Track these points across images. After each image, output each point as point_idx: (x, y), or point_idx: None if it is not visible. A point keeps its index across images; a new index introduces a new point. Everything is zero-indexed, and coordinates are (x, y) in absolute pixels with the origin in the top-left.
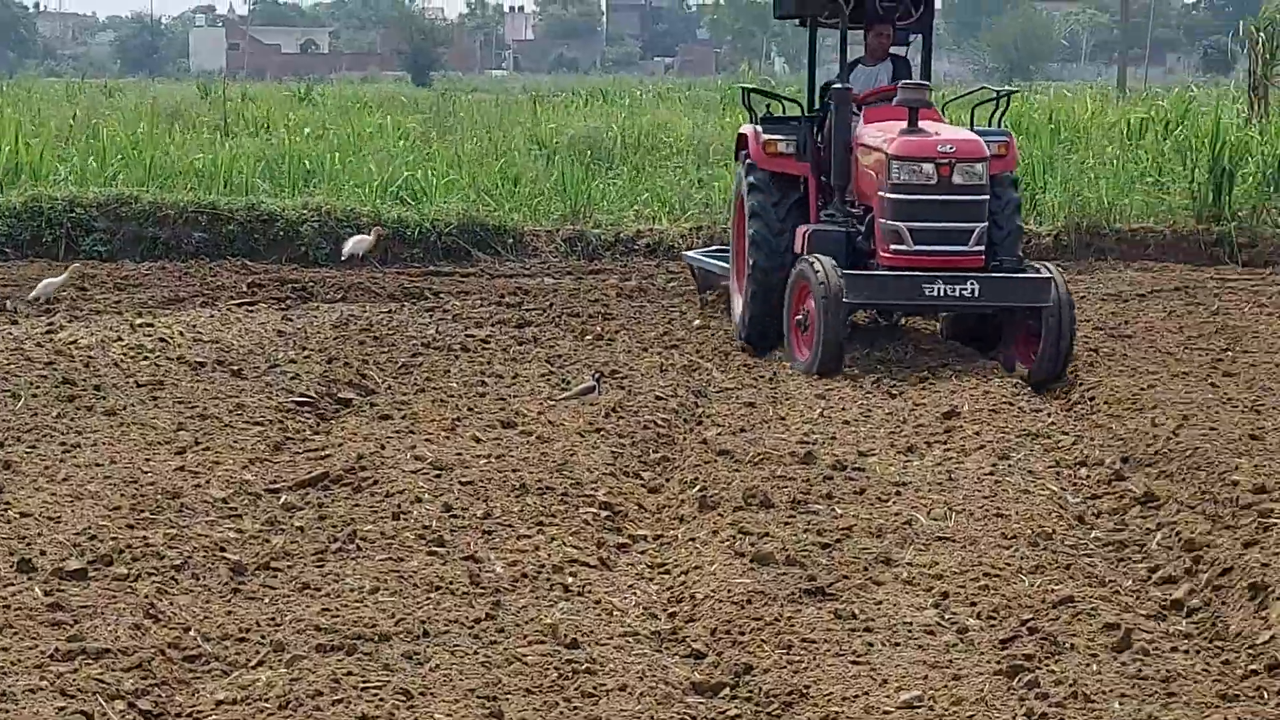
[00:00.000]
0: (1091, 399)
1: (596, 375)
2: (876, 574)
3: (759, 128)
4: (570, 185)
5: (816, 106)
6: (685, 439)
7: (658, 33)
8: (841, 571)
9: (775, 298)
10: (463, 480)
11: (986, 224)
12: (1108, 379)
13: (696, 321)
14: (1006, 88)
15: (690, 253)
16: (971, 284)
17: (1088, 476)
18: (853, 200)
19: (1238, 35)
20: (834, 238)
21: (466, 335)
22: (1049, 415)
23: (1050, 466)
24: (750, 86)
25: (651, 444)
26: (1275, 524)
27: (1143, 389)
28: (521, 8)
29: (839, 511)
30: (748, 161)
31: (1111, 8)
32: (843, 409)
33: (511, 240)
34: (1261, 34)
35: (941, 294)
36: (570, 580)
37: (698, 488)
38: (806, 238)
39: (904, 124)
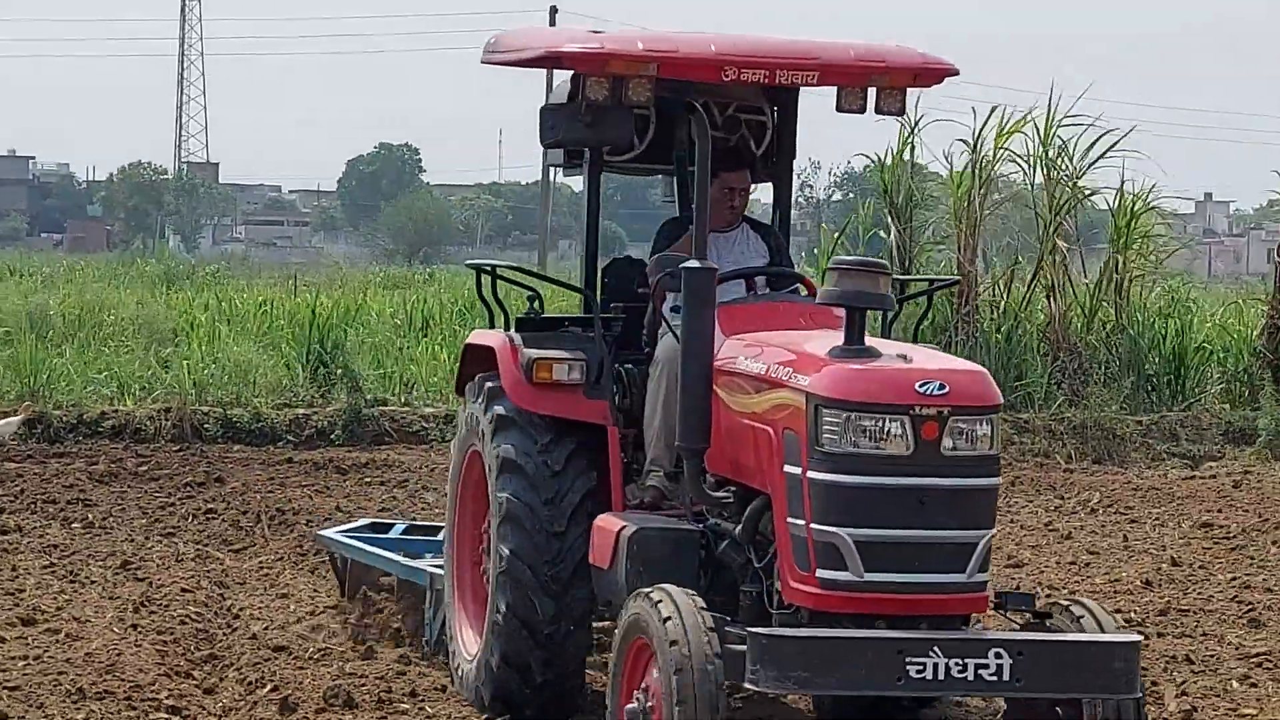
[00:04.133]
0: None
1: None
2: None
3: (516, 337)
4: (27, 364)
5: (600, 297)
6: (228, 635)
7: (45, 208)
8: None
9: (550, 627)
10: (7, 686)
11: (994, 532)
12: None
13: None
14: (938, 277)
15: (330, 532)
16: (997, 654)
17: None
18: (704, 474)
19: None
20: (679, 543)
21: None
22: None
23: None
24: (492, 264)
25: (193, 640)
26: None
27: None
28: None
29: (430, 711)
30: (493, 394)
31: (505, 194)
32: None
33: None
34: None
35: (941, 674)
36: None
37: (268, 688)
38: (622, 541)
39: (824, 334)
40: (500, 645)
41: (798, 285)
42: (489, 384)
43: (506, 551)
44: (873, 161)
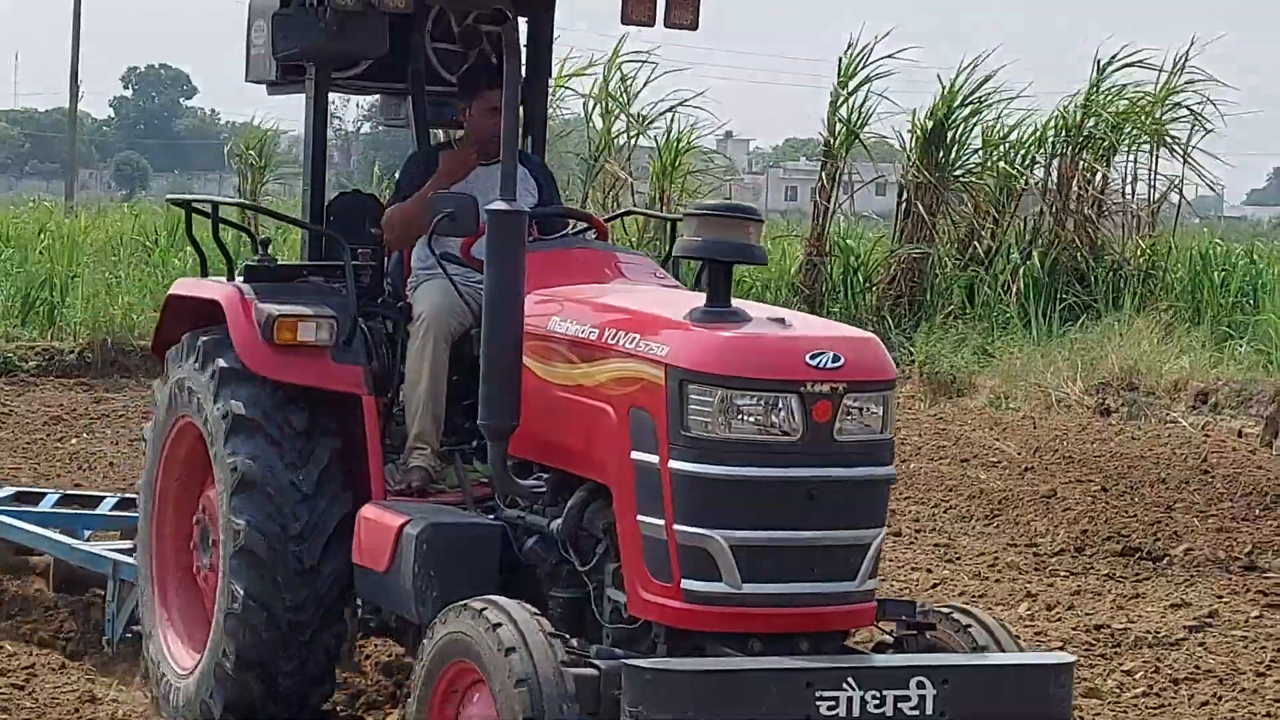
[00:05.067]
0: None
1: None
2: None
3: (247, 289)
4: None
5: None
6: None
7: None
8: None
9: (298, 614)
10: None
11: (886, 532)
12: None
13: None
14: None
15: None
16: (919, 684)
17: None
18: (503, 458)
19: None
20: (480, 542)
21: None
22: None
23: None
24: (210, 199)
25: None
26: None
27: None
28: None
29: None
30: (213, 348)
31: (21, 121)
32: None
33: None
34: (251, 152)
35: (856, 709)
36: None
37: None
38: (407, 540)
39: (661, 290)
40: (235, 642)
41: (580, 228)
42: (205, 339)
43: (243, 525)
44: None
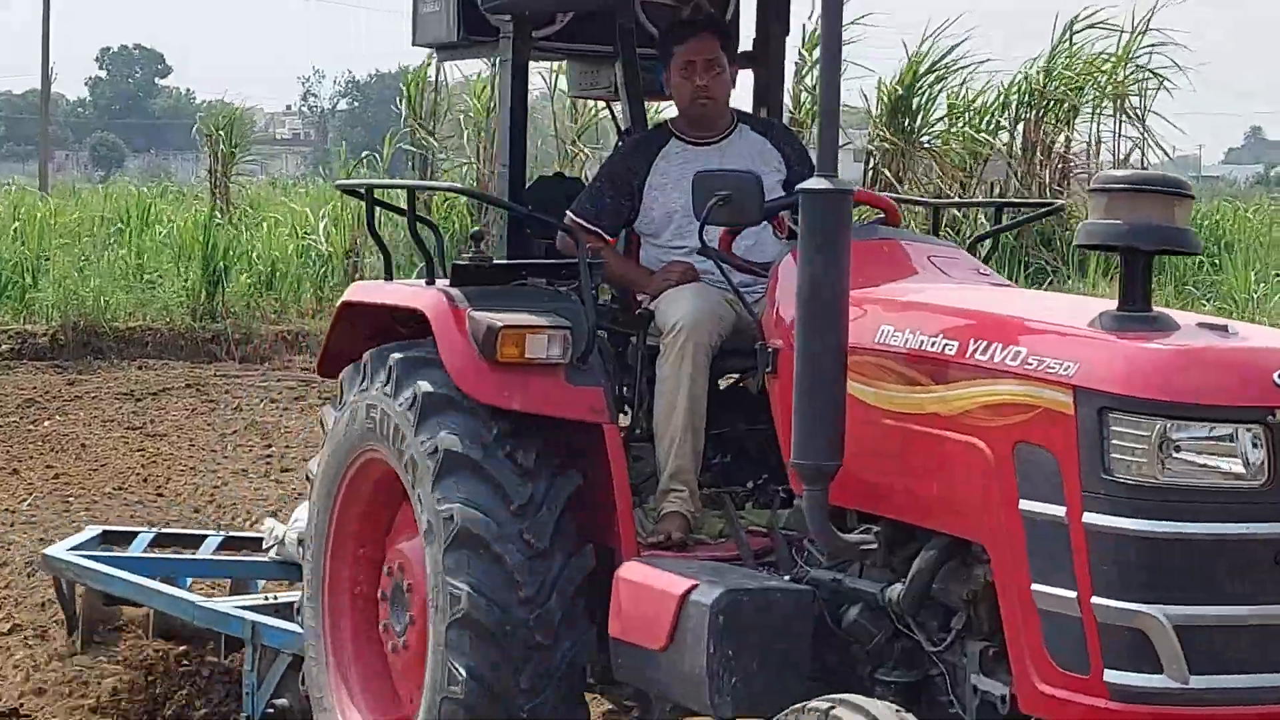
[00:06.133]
0: None
1: None
2: None
3: (457, 294)
4: None
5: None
6: None
7: None
8: None
9: (533, 698)
10: None
11: None
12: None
13: None
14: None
15: (58, 550)
16: None
17: None
18: (824, 506)
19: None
20: (793, 611)
21: None
22: None
23: None
24: (386, 184)
25: None
26: None
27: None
28: None
29: None
30: (410, 368)
31: None
32: None
33: None
34: (221, 132)
35: None
36: None
37: None
38: (695, 611)
39: (1038, 292)
40: None
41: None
42: (398, 355)
43: (464, 588)
44: (399, 69)
